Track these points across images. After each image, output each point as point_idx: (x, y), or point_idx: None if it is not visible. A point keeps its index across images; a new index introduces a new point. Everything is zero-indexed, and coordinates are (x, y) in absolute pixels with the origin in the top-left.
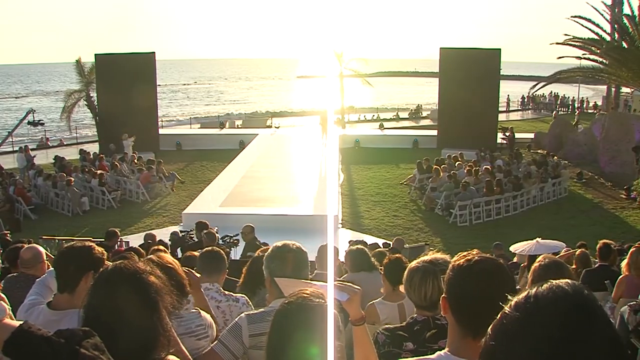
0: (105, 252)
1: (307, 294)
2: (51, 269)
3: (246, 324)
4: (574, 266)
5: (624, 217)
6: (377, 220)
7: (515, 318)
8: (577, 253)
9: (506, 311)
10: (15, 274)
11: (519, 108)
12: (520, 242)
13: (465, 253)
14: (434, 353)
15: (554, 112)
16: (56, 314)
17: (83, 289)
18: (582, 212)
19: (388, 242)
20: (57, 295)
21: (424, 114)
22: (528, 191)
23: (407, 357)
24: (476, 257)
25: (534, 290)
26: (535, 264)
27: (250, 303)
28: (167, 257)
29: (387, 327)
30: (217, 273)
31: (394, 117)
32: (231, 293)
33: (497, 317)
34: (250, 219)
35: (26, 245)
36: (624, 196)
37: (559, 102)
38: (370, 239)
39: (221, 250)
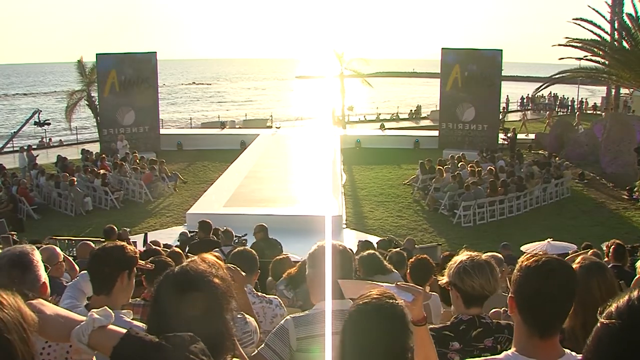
0: (137, 251)
1: (379, 295)
2: (83, 272)
3: (293, 327)
4: None
5: (626, 217)
6: (381, 221)
7: (620, 324)
8: (589, 254)
9: (607, 319)
10: None
11: (518, 109)
12: (525, 242)
13: (532, 253)
14: (480, 352)
15: (547, 114)
16: None
17: (119, 289)
18: (584, 212)
19: (399, 239)
20: (94, 297)
21: (424, 114)
22: (531, 192)
23: (454, 357)
24: (544, 258)
25: (635, 293)
26: (575, 265)
27: (283, 305)
28: (210, 257)
29: (433, 327)
30: (250, 273)
31: (394, 117)
32: (264, 294)
33: (597, 326)
34: (255, 219)
35: (43, 246)
36: (626, 197)
37: (558, 103)
38: (375, 240)
39: (253, 250)
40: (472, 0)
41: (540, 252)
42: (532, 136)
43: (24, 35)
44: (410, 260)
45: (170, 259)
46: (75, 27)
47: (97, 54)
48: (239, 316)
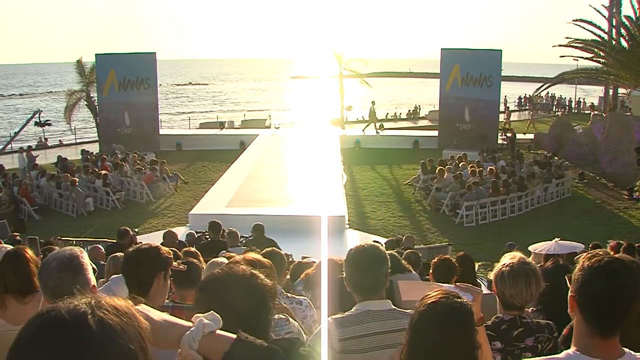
0: (171, 252)
1: (446, 294)
2: (115, 276)
3: (334, 328)
4: None
5: (627, 217)
6: (383, 221)
7: None
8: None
9: None
10: None
11: (516, 109)
12: (527, 241)
13: (593, 253)
14: (521, 352)
15: (531, 114)
16: None
17: (156, 290)
18: (585, 212)
19: (399, 236)
20: (131, 299)
21: (422, 114)
22: (532, 192)
23: (495, 356)
24: (606, 258)
25: None
26: None
27: (313, 305)
28: (255, 256)
29: None
30: (280, 274)
31: (393, 117)
32: (294, 295)
33: None
34: (257, 219)
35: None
36: (626, 197)
37: (555, 103)
38: (383, 241)
39: (281, 251)
40: (469, 1)
41: (601, 252)
42: (529, 136)
43: (23, 35)
44: (433, 260)
45: (197, 261)
46: (74, 28)
47: (96, 54)
48: (282, 317)
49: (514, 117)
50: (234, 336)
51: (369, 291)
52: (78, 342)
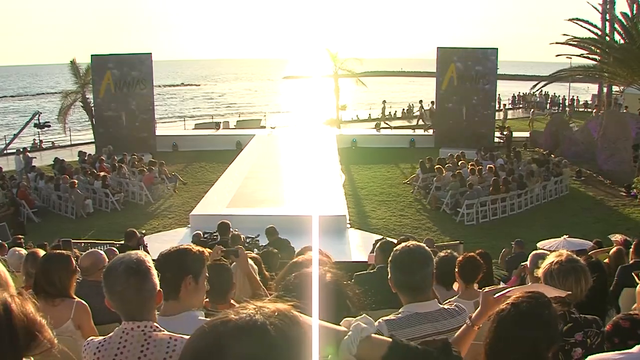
0: (204, 251)
1: (532, 296)
2: None
3: (386, 330)
4: (606, 261)
5: (626, 214)
6: (384, 220)
7: None
8: (611, 252)
9: None
10: (79, 280)
11: (510, 107)
12: (530, 239)
13: None
14: (571, 347)
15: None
16: (170, 319)
17: (185, 294)
18: (584, 209)
19: (414, 237)
20: (164, 303)
21: (416, 113)
22: (532, 189)
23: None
24: None
25: None
26: None
27: None
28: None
29: None
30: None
31: (388, 116)
32: None
33: None
34: (259, 219)
35: (85, 252)
36: (624, 194)
37: (549, 101)
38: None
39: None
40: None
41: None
42: (525, 134)
43: (16, 36)
44: (458, 259)
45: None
46: (69, 29)
47: (92, 55)
48: None
49: (507, 114)
50: (390, 339)
51: (416, 292)
52: (264, 352)
